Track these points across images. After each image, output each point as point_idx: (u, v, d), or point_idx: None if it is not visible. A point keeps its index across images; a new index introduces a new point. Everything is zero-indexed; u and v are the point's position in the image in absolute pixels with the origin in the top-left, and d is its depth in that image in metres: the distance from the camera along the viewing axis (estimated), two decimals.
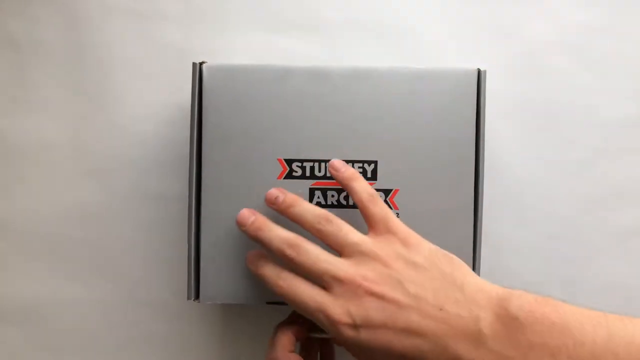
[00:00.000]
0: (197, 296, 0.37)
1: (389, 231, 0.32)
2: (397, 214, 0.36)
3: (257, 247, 0.34)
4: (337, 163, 0.35)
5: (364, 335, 0.29)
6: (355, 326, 0.29)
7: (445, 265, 0.30)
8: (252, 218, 0.33)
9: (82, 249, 0.44)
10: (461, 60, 0.44)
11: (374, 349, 0.29)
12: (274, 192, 0.34)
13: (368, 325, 0.29)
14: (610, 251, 0.44)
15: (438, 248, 0.32)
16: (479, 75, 0.36)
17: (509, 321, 0.27)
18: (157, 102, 0.44)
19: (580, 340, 0.25)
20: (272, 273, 0.32)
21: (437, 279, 0.29)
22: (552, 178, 0.44)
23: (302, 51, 0.44)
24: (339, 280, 0.30)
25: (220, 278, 0.36)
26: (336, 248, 0.32)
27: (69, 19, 0.43)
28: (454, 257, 0.31)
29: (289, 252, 0.31)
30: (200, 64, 0.36)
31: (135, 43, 0.43)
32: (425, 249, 0.31)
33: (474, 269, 0.36)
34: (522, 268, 0.44)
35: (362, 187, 0.34)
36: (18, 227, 0.44)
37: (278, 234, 0.32)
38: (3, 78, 0.44)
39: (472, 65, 0.37)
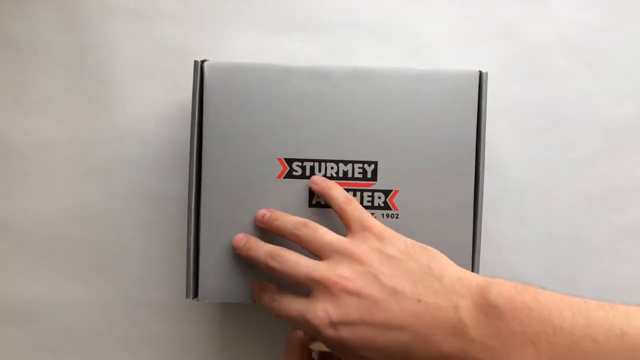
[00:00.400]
0: (195, 295, 0.36)
1: (364, 228, 0.32)
2: (397, 214, 0.36)
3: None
4: (317, 178, 0.36)
5: (345, 333, 0.29)
6: (334, 325, 0.29)
7: (421, 256, 0.30)
8: (244, 240, 0.35)
9: (82, 249, 0.44)
10: (461, 60, 0.44)
11: (357, 346, 0.29)
12: (262, 211, 0.36)
13: (347, 322, 0.29)
14: (610, 251, 0.44)
15: (414, 241, 0.32)
16: (481, 78, 0.36)
17: (489, 309, 0.26)
18: (157, 101, 0.44)
19: (559, 326, 0.25)
20: (267, 298, 0.34)
21: (414, 271, 0.29)
22: (552, 178, 0.44)
23: (302, 51, 0.44)
24: (317, 282, 0.30)
25: (219, 277, 0.36)
26: (315, 251, 0.32)
27: (69, 19, 0.43)
28: (431, 248, 0.31)
29: (273, 263, 0.32)
30: (202, 62, 0.36)
31: (135, 43, 0.43)
32: (400, 241, 0.31)
33: (473, 268, 0.36)
34: (522, 268, 0.44)
35: (338, 193, 0.35)
36: (18, 227, 0.44)
37: (264, 249, 0.34)
38: (3, 78, 0.44)
39: (472, 66, 0.37)
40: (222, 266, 0.36)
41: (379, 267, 0.30)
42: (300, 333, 0.36)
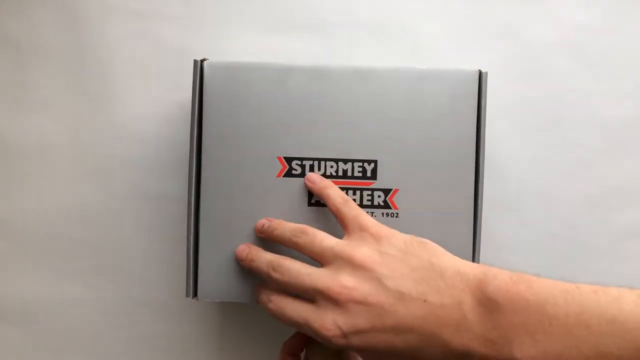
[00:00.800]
0: (195, 294, 0.36)
1: (361, 229, 0.32)
2: (397, 213, 0.36)
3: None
4: (313, 176, 0.36)
5: (355, 341, 0.29)
6: (344, 335, 0.29)
7: (420, 252, 0.30)
8: (247, 251, 0.35)
9: (82, 249, 0.44)
10: (461, 59, 0.44)
11: (367, 350, 0.29)
12: (261, 221, 0.36)
13: (357, 332, 0.29)
14: (610, 251, 0.44)
15: (412, 236, 0.32)
16: (480, 77, 0.36)
17: (488, 303, 0.27)
18: (157, 101, 0.44)
19: (554, 315, 0.26)
20: (264, 299, 0.33)
21: (415, 269, 0.30)
22: (552, 178, 0.44)
23: (302, 51, 0.44)
24: (321, 292, 0.30)
25: (218, 276, 0.36)
26: (315, 257, 0.32)
27: (69, 19, 0.43)
28: (428, 242, 0.31)
29: (275, 274, 0.32)
30: (202, 61, 0.36)
31: (135, 43, 0.44)
32: (398, 239, 0.31)
33: None
34: (522, 268, 0.43)
35: (335, 193, 0.35)
36: (18, 227, 0.44)
37: (265, 259, 0.33)
38: (3, 78, 0.44)
39: (472, 65, 0.37)
40: (221, 265, 0.36)
41: (381, 270, 0.30)
42: (291, 342, 0.36)
